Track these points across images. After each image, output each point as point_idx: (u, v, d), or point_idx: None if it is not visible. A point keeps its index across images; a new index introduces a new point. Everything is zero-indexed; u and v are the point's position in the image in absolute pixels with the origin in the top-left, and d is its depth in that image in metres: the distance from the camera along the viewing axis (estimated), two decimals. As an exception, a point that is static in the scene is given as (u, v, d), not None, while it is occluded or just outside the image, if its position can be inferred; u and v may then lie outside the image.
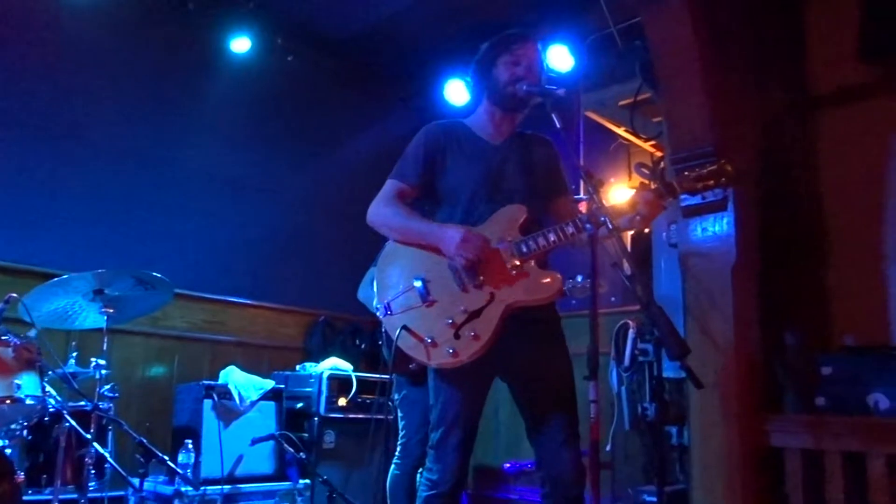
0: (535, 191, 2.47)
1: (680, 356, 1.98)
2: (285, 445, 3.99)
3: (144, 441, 3.29)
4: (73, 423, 3.14)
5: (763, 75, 3.70)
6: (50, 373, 3.24)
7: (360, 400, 4.53)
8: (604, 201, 2.19)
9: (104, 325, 3.36)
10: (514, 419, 2.58)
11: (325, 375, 4.47)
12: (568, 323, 2.48)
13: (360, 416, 4.51)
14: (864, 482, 2.92)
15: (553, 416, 2.33)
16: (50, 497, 3.14)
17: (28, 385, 3.07)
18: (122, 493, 3.51)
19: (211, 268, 4.95)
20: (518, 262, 2.31)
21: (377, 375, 4.62)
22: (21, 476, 2.96)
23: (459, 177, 2.46)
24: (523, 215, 2.37)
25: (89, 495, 3.17)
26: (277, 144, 5.49)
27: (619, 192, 4.94)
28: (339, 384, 4.52)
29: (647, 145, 4.75)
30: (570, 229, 2.28)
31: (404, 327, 2.32)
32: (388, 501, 3.42)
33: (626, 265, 2.11)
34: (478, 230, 2.37)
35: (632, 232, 4.64)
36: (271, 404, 4.35)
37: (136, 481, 3.34)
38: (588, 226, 2.20)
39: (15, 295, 3.11)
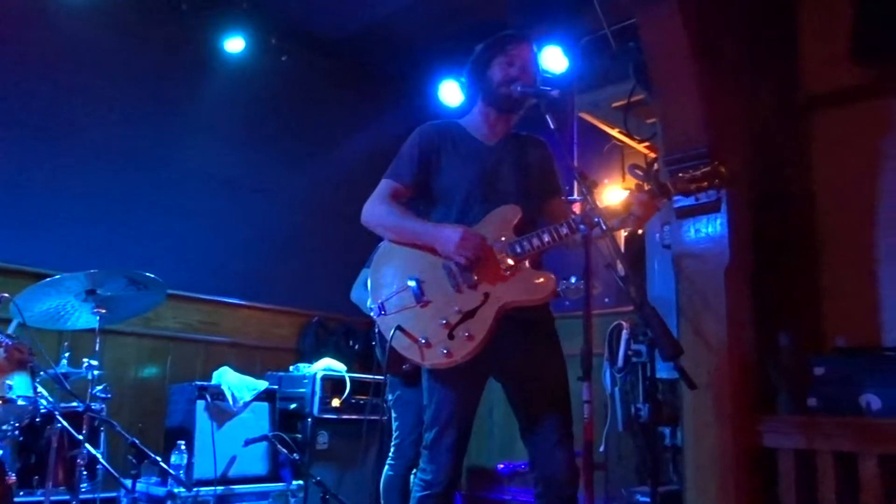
0: (529, 192, 2.48)
1: (673, 357, 1.98)
2: (279, 446, 3.98)
3: (137, 442, 3.27)
4: (65, 423, 3.13)
5: (756, 77, 3.71)
6: (42, 373, 3.23)
7: (353, 401, 4.53)
8: (598, 202, 2.20)
9: (96, 325, 3.35)
10: (508, 420, 2.58)
11: (318, 376, 4.47)
12: (562, 324, 2.49)
13: (354, 416, 4.50)
14: (856, 482, 2.93)
15: (547, 417, 2.33)
16: (42, 498, 3.12)
17: (20, 386, 3.06)
18: (114, 494, 3.50)
19: (204, 268, 4.94)
20: (512, 263, 2.32)
21: (371, 376, 4.61)
22: (13, 477, 2.95)
23: (454, 177, 2.47)
24: (517, 216, 2.37)
25: (81, 496, 3.15)
26: (271, 144, 5.48)
27: (613, 194, 4.95)
28: (333, 385, 4.51)
29: (640, 146, 4.76)
30: (565, 230, 2.28)
31: (398, 327, 2.32)
32: (382, 502, 3.42)
33: (619, 266, 2.11)
34: (472, 230, 2.37)
35: (625, 233, 4.65)
36: (264, 405, 4.34)
37: (128, 482, 3.33)
38: (582, 227, 2.21)
39: (7, 295, 3.10)
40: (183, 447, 3.83)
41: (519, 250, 2.32)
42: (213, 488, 3.86)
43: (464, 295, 2.30)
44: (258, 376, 4.51)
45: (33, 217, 4.28)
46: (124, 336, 4.47)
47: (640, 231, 4.28)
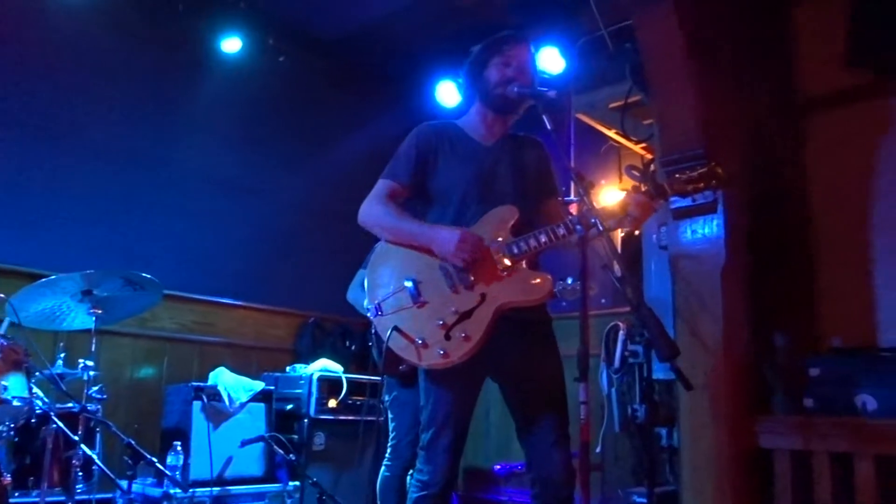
0: (526, 192, 2.48)
1: (670, 358, 1.98)
2: (275, 447, 3.97)
3: (133, 443, 3.26)
4: (61, 424, 3.11)
5: (752, 78, 3.72)
6: (37, 374, 3.22)
7: (350, 401, 4.52)
8: (594, 203, 2.20)
9: (92, 325, 3.34)
10: (505, 420, 2.58)
11: (314, 377, 4.46)
12: (558, 325, 2.49)
13: (351, 417, 4.50)
14: (852, 483, 2.94)
15: (543, 418, 2.34)
16: (37, 499, 3.11)
17: (15, 386, 3.05)
18: (109, 495, 3.48)
19: (200, 269, 4.93)
20: (509, 263, 2.32)
21: (367, 377, 4.61)
22: (7, 478, 2.94)
23: (451, 177, 2.47)
24: (514, 216, 2.38)
25: (77, 497, 3.14)
26: (268, 145, 5.48)
27: (610, 195, 4.95)
28: (329, 386, 4.50)
29: (637, 148, 4.76)
30: (561, 231, 2.28)
31: (395, 328, 2.32)
32: (379, 503, 3.42)
33: (616, 267, 2.11)
34: (470, 231, 2.37)
35: (622, 234, 4.66)
36: (261, 406, 4.33)
37: (124, 483, 3.31)
38: (579, 227, 2.21)
39: (2, 295, 3.09)
40: (179, 448, 3.83)
41: (516, 251, 2.32)
42: (209, 489, 3.85)
43: (460, 295, 2.30)
44: (254, 377, 4.50)
45: (29, 217, 4.26)
46: (120, 337, 4.46)
47: (636, 232, 4.28)
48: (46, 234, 4.29)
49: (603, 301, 4.64)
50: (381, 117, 5.78)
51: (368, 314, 2.44)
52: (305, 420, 4.37)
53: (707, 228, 3.34)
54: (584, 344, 2.02)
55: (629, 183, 2.37)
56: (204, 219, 5.02)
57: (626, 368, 4.05)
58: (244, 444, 4.00)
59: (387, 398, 3.53)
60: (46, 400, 3.28)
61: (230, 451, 4.06)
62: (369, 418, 4.30)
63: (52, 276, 3.22)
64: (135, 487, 3.52)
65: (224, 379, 4.27)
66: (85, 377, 3.32)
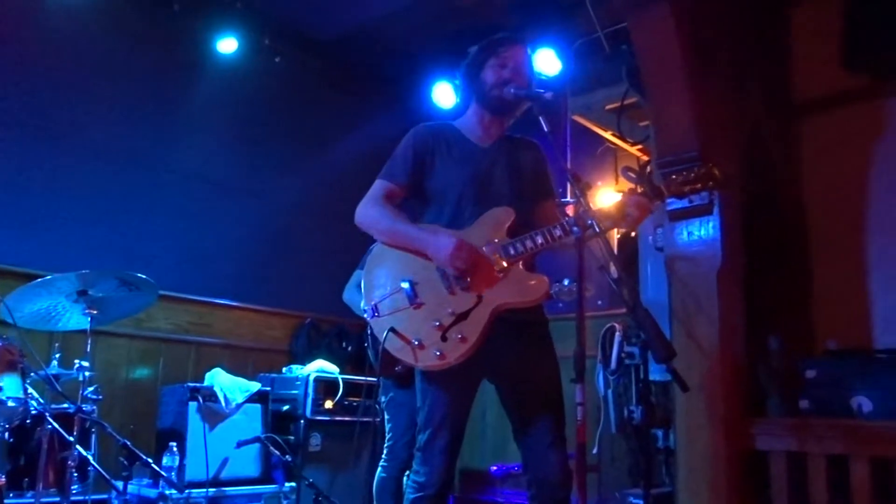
0: (522, 194, 2.48)
1: (666, 359, 1.99)
2: (271, 448, 3.97)
3: (128, 443, 3.26)
4: (56, 425, 3.11)
5: (748, 80, 3.73)
6: (32, 374, 3.21)
7: (346, 402, 4.52)
8: (591, 204, 2.20)
9: (88, 326, 3.33)
10: (501, 422, 2.59)
11: (311, 378, 4.46)
12: (555, 326, 2.49)
13: (347, 418, 4.50)
14: (848, 485, 2.94)
15: (540, 419, 2.34)
16: (32, 500, 3.10)
17: (10, 387, 3.04)
18: (105, 496, 3.48)
19: (196, 269, 4.92)
20: (505, 265, 2.32)
21: (364, 378, 4.61)
22: (2, 479, 2.93)
23: (448, 178, 2.47)
24: (511, 218, 2.38)
25: (72, 498, 3.13)
26: (264, 145, 5.47)
27: (606, 196, 4.96)
28: (326, 387, 4.50)
29: (633, 149, 4.77)
30: (558, 232, 2.29)
31: (391, 329, 2.32)
32: (375, 504, 3.42)
33: (612, 268, 2.12)
34: (465, 232, 2.37)
35: (618, 235, 4.67)
36: (257, 407, 4.33)
37: (119, 484, 3.31)
38: (575, 229, 2.21)
39: (-3, 295, 3.08)
40: (175, 449, 3.82)
41: (512, 252, 2.32)
42: (204, 490, 3.84)
43: (457, 297, 2.30)
44: (250, 378, 4.49)
45: (24, 217, 4.25)
46: (116, 337, 4.45)
47: (632, 234, 4.29)
48: (43, 234, 4.28)
49: (599, 302, 4.64)
50: (378, 118, 5.78)
51: (365, 315, 2.43)
52: (302, 421, 4.37)
53: (703, 230, 3.35)
54: (581, 345, 2.02)
55: (625, 184, 2.38)
56: (200, 219, 5.01)
57: (623, 370, 4.06)
58: (240, 444, 3.99)
59: (383, 399, 3.53)
60: (41, 400, 3.27)
61: (226, 451, 4.05)
62: (366, 419, 4.29)
63: (48, 277, 3.20)
64: (130, 488, 3.52)
65: (220, 380, 4.26)
66: (80, 378, 3.31)
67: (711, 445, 3.18)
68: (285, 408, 4.45)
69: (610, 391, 4.13)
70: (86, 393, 3.31)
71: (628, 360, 4.02)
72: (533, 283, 2.32)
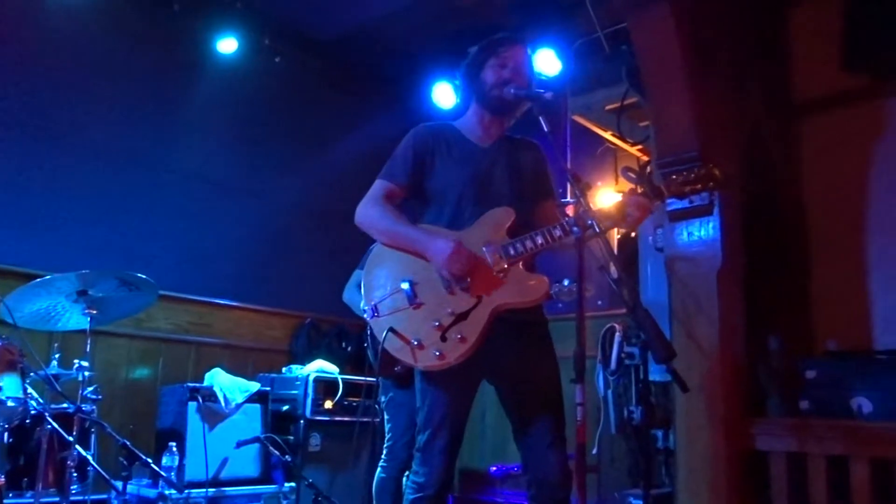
0: (522, 194, 2.48)
1: (666, 360, 1.99)
2: (271, 448, 3.97)
3: (128, 443, 3.26)
4: (56, 425, 3.11)
5: (748, 80, 3.73)
6: (32, 374, 3.21)
7: (346, 403, 4.52)
8: (591, 205, 2.20)
9: (87, 326, 3.32)
10: (501, 422, 2.58)
11: (310, 378, 4.46)
12: (555, 326, 2.49)
13: (346, 418, 4.49)
14: (848, 486, 2.94)
15: (540, 419, 2.33)
16: (31, 500, 3.10)
17: (9, 387, 3.04)
18: (104, 496, 3.48)
19: (196, 269, 4.92)
20: (505, 265, 2.32)
21: (363, 378, 4.61)
22: (1, 479, 2.93)
23: (448, 179, 2.46)
24: (511, 218, 2.38)
25: (71, 498, 3.13)
26: (264, 145, 5.47)
27: (606, 196, 4.96)
28: (325, 387, 4.50)
29: (633, 149, 4.77)
30: (558, 232, 2.29)
31: (391, 329, 2.31)
32: (374, 505, 3.41)
33: (612, 269, 2.11)
34: (465, 232, 2.37)
35: (618, 236, 4.67)
36: (257, 407, 4.33)
37: (119, 484, 3.31)
38: (575, 229, 2.21)
39: (-3, 295, 3.08)
40: (174, 449, 3.81)
41: (512, 252, 2.32)
42: (204, 490, 3.84)
43: (457, 297, 2.30)
44: (250, 378, 4.49)
45: (24, 217, 4.25)
46: (115, 337, 4.44)
47: (632, 234, 4.29)
48: (43, 234, 4.28)
49: (599, 303, 4.64)
50: (378, 118, 5.78)
51: (365, 315, 2.43)
52: (301, 421, 4.37)
53: (703, 231, 3.34)
54: (581, 346, 2.02)
55: (625, 185, 2.38)
56: (200, 219, 5.01)
57: (623, 370, 4.05)
58: (240, 445, 3.99)
59: (383, 399, 3.53)
60: (41, 400, 3.27)
61: (226, 452, 4.05)
62: (365, 419, 4.29)
63: (48, 277, 3.20)
64: (130, 488, 3.52)
65: (220, 380, 4.26)
66: (80, 377, 3.31)
67: (711, 446, 3.18)
68: (285, 408, 4.45)
69: (610, 391, 4.13)
70: (85, 393, 3.31)
71: (628, 360, 4.02)
72: (533, 283, 2.32)
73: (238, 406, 4.21)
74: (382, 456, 3.49)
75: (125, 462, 3.35)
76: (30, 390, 3.18)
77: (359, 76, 5.96)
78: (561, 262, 2.58)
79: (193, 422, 4.00)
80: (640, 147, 4.66)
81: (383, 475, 3.44)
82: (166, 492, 3.67)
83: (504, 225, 2.37)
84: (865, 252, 3.62)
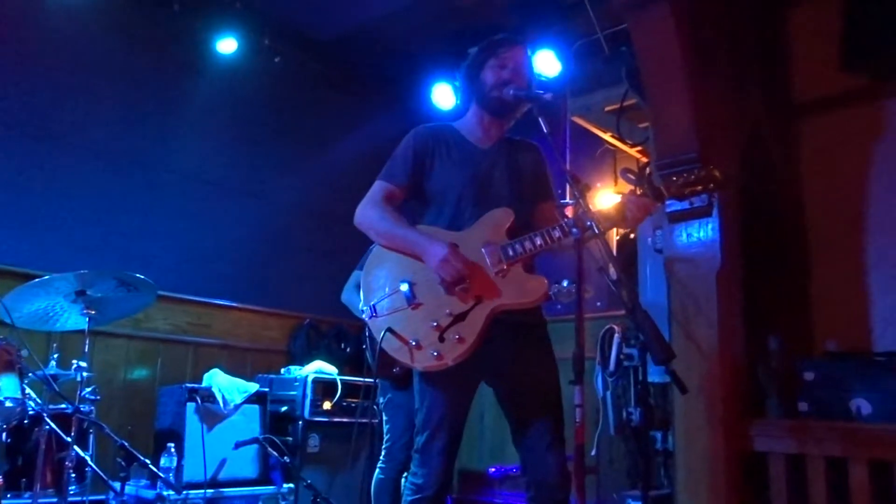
0: (522, 195, 2.48)
1: (665, 361, 1.98)
2: (269, 449, 3.96)
3: (126, 444, 3.25)
4: (54, 425, 3.10)
5: (748, 81, 3.73)
6: (30, 375, 3.20)
7: (344, 404, 4.51)
8: (590, 206, 2.20)
9: (86, 326, 3.32)
10: (500, 423, 2.58)
11: (309, 379, 4.45)
12: (553, 327, 2.49)
13: (345, 419, 4.49)
14: (847, 487, 2.94)
15: (538, 421, 2.33)
16: (29, 501, 3.09)
17: (7, 387, 3.03)
18: (102, 497, 3.47)
19: (195, 270, 4.91)
20: (504, 266, 2.31)
21: (362, 379, 4.60)
22: (0, 480, 2.92)
23: (447, 180, 2.46)
24: (510, 219, 2.37)
25: (69, 499, 3.13)
26: (263, 146, 5.47)
27: (605, 197, 4.96)
28: (324, 388, 4.49)
29: (633, 151, 4.77)
30: (557, 233, 2.28)
31: (389, 329, 2.31)
32: (373, 506, 3.41)
33: (611, 270, 2.11)
34: (465, 233, 2.37)
35: (617, 237, 4.66)
36: (255, 408, 4.32)
37: (117, 485, 3.30)
38: (574, 230, 2.21)
39: (-5, 296, 3.08)
40: (172, 450, 3.81)
41: (511, 253, 2.31)
42: (202, 491, 3.83)
43: (455, 298, 2.30)
44: (249, 378, 4.49)
45: (22, 217, 4.24)
46: (114, 338, 4.44)
47: (632, 235, 4.29)
48: (40, 235, 4.27)
49: (598, 304, 4.64)
50: (378, 119, 5.78)
51: (363, 316, 2.43)
52: (300, 422, 4.36)
53: (702, 232, 3.34)
54: (580, 347, 2.02)
55: (624, 186, 2.38)
56: (199, 219, 5.01)
57: (622, 372, 4.05)
58: (238, 445, 3.98)
59: (381, 400, 3.53)
60: (39, 401, 3.26)
61: (224, 452, 4.04)
62: (364, 420, 4.28)
63: (46, 277, 3.20)
64: (128, 489, 3.51)
65: (218, 380, 4.26)
66: (78, 378, 3.30)
67: (710, 447, 3.18)
68: (283, 409, 4.44)
69: (609, 393, 4.13)
70: (84, 393, 3.31)
71: (627, 361, 4.01)
72: (532, 284, 2.32)
73: (236, 407, 4.20)
74: (381, 457, 3.48)
75: (123, 463, 3.34)
76: (28, 391, 3.17)
77: (358, 76, 5.96)
78: (560, 264, 2.58)
79: (192, 422, 4.00)
80: (639, 148, 4.66)
81: (381, 476, 3.43)
82: (164, 493, 3.66)
83: (503, 226, 2.37)
84: (865, 253, 3.62)
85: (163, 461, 3.75)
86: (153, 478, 3.65)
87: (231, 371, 4.46)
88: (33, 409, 3.14)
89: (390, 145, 2.58)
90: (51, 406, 3.29)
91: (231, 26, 5.09)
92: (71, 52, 4.54)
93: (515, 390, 2.39)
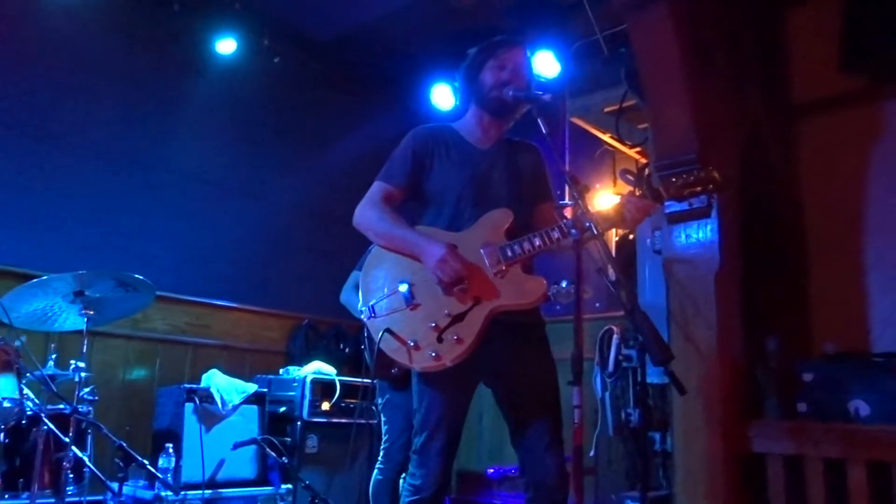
0: (521, 196, 2.48)
1: (663, 362, 1.98)
2: (267, 450, 3.95)
3: (124, 445, 3.24)
4: (52, 426, 3.09)
5: (747, 82, 3.73)
6: (28, 375, 3.20)
7: (343, 404, 4.51)
8: (589, 207, 2.20)
9: (84, 327, 3.32)
10: (498, 424, 2.58)
11: (308, 379, 4.45)
12: (552, 328, 2.48)
13: (344, 420, 4.48)
14: (845, 488, 2.94)
15: (537, 422, 2.33)
16: (27, 501, 3.09)
17: (5, 387, 3.03)
18: (100, 497, 3.46)
19: (194, 270, 4.91)
20: (503, 267, 2.31)
21: (361, 380, 4.60)
22: (-3, 480, 2.92)
23: (446, 180, 2.46)
24: (509, 220, 2.37)
25: (67, 500, 3.12)
26: (262, 146, 5.47)
27: (604, 198, 4.96)
28: (323, 388, 4.49)
29: (632, 152, 4.77)
30: (556, 234, 2.28)
31: (387, 330, 2.31)
32: (371, 507, 3.41)
33: (610, 271, 2.11)
34: (464, 234, 2.37)
35: (616, 238, 4.66)
36: (254, 408, 4.31)
37: (115, 486, 3.29)
38: (573, 231, 2.21)
39: (-7, 296, 3.07)
40: (171, 450, 3.80)
41: (510, 254, 2.31)
42: (200, 492, 3.83)
43: (454, 298, 2.30)
44: (247, 379, 4.48)
45: (21, 217, 4.24)
46: (112, 338, 4.43)
47: (630, 236, 4.29)
48: (38, 235, 4.27)
49: (597, 305, 4.64)
50: (377, 119, 5.78)
51: (362, 316, 2.43)
52: (298, 423, 4.36)
53: (701, 233, 3.34)
54: (578, 348, 2.02)
55: (623, 187, 2.39)
56: (199, 220, 5.01)
57: (620, 372, 4.05)
58: (236, 446, 3.98)
59: (379, 401, 3.52)
60: (37, 401, 3.25)
61: (222, 453, 4.04)
62: (362, 421, 4.28)
63: (44, 277, 3.19)
64: (126, 490, 3.50)
65: (216, 381, 4.25)
66: (76, 378, 3.29)
67: (709, 448, 3.18)
68: (282, 409, 4.44)
69: (607, 394, 4.13)
70: (82, 394, 3.30)
71: (626, 362, 4.01)
72: (530, 285, 2.32)
73: (235, 407, 4.20)
74: (379, 458, 3.48)
75: (121, 463, 3.33)
76: (26, 391, 3.17)
77: (358, 77, 5.96)
78: (559, 264, 2.58)
79: (190, 423, 3.99)
80: (638, 149, 4.66)
81: (380, 477, 3.43)
82: (162, 493, 3.66)
83: (502, 227, 2.37)
84: (864, 254, 3.62)
85: (161, 462, 3.75)
86: (151, 478, 3.64)
87: (230, 371, 4.45)
88: (31, 410, 3.14)
89: (390, 146, 2.58)
90: (49, 406, 3.29)
91: (230, 27, 5.09)
92: (70, 52, 4.54)
93: (514, 391, 2.39)
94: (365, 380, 4.52)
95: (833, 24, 3.70)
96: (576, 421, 1.99)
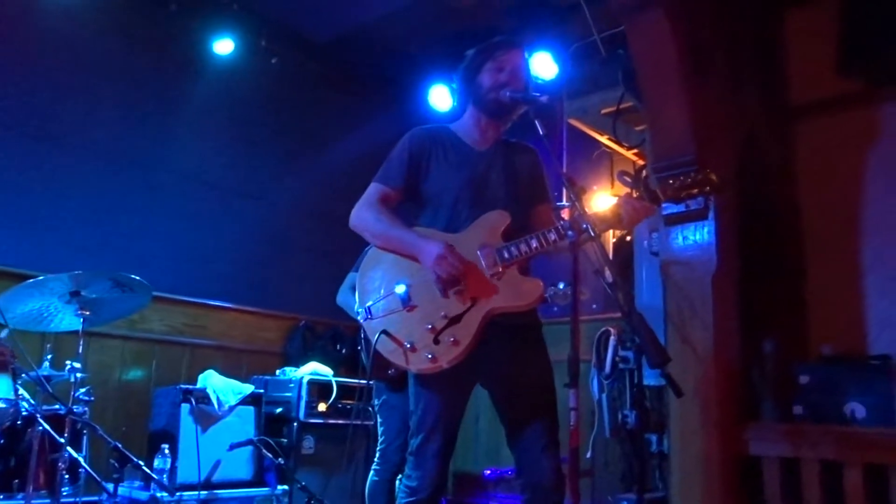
0: (518, 198, 2.48)
1: (660, 364, 1.98)
2: (264, 451, 3.95)
3: (119, 446, 3.23)
4: (47, 426, 3.08)
5: (744, 84, 3.74)
6: (24, 375, 3.19)
7: (340, 405, 4.50)
8: (586, 208, 2.20)
9: (80, 327, 3.31)
10: (494, 426, 2.58)
11: (304, 380, 4.44)
12: (549, 330, 2.48)
13: (340, 421, 4.48)
14: (841, 491, 2.94)
15: (533, 423, 2.33)
16: (22, 502, 3.07)
17: (0, 388, 3.02)
18: (96, 498, 3.45)
19: (190, 271, 4.90)
20: (500, 269, 2.31)
21: (357, 381, 4.59)
22: (-8, 480, 2.91)
23: (444, 182, 2.46)
24: (506, 221, 2.37)
25: (62, 500, 3.11)
26: (260, 147, 5.46)
27: (602, 200, 4.96)
28: (319, 389, 4.48)
29: (629, 153, 4.77)
30: (553, 236, 2.28)
31: (384, 331, 2.31)
32: (367, 508, 3.40)
33: (607, 273, 2.11)
34: (461, 235, 2.37)
35: (614, 239, 4.66)
36: (250, 409, 4.30)
37: (110, 486, 3.28)
38: (570, 233, 2.21)
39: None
40: (167, 451, 3.80)
41: (507, 256, 2.31)
42: (196, 493, 3.82)
43: (451, 300, 2.29)
44: (244, 380, 4.47)
45: (17, 217, 4.22)
46: (109, 338, 4.42)
47: (628, 238, 4.29)
48: (35, 235, 4.25)
49: (594, 306, 4.64)
50: (375, 120, 5.77)
51: (358, 318, 2.42)
52: (295, 424, 4.35)
53: (698, 235, 3.35)
54: (575, 349, 2.02)
55: (621, 188, 2.38)
56: (196, 220, 5.00)
57: (617, 374, 4.06)
58: (233, 447, 3.97)
59: (376, 402, 3.52)
60: (33, 402, 3.24)
61: (218, 454, 4.03)
62: (359, 422, 4.28)
63: (40, 277, 3.18)
64: (121, 491, 3.48)
65: (213, 382, 4.24)
66: (72, 379, 3.29)
67: (705, 450, 3.18)
68: (278, 410, 4.43)
69: (604, 395, 4.13)
70: (77, 394, 3.29)
71: (622, 364, 4.02)
72: (527, 286, 2.32)
73: (231, 408, 4.19)
74: (375, 459, 3.48)
75: (117, 464, 3.32)
76: (21, 391, 3.16)
77: (355, 78, 5.95)
78: (556, 266, 2.58)
79: (186, 424, 3.98)
80: (636, 151, 4.67)
81: (376, 478, 3.43)
82: (158, 494, 3.65)
83: (499, 228, 2.36)
84: (861, 255, 3.63)
85: (157, 462, 3.74)
86: (147, 479, 3.64)
87: (226, 372, 4.44)
88: (27, 410, 3.13)
89: (388, 146, 2.57)
90: (44, 407, 3.27)
91: (228, 27, 5.08)
92: (70, 53, 4.53)
93: (511, 392, 2.38)
94: (361, 381, 4.51)
95: (831, 25, 3.70)
96: (572, 423, 1.99)
